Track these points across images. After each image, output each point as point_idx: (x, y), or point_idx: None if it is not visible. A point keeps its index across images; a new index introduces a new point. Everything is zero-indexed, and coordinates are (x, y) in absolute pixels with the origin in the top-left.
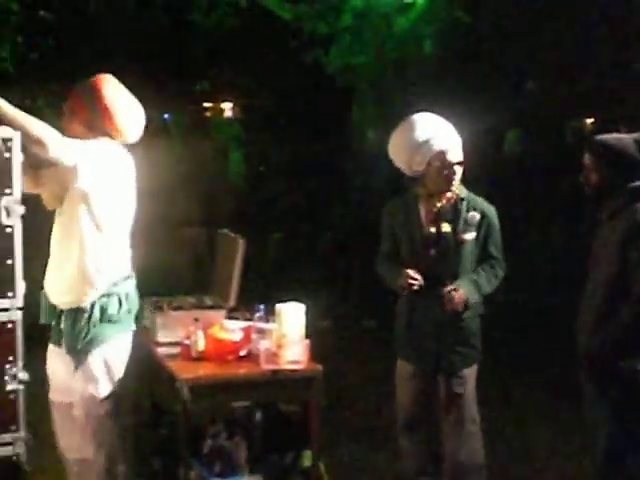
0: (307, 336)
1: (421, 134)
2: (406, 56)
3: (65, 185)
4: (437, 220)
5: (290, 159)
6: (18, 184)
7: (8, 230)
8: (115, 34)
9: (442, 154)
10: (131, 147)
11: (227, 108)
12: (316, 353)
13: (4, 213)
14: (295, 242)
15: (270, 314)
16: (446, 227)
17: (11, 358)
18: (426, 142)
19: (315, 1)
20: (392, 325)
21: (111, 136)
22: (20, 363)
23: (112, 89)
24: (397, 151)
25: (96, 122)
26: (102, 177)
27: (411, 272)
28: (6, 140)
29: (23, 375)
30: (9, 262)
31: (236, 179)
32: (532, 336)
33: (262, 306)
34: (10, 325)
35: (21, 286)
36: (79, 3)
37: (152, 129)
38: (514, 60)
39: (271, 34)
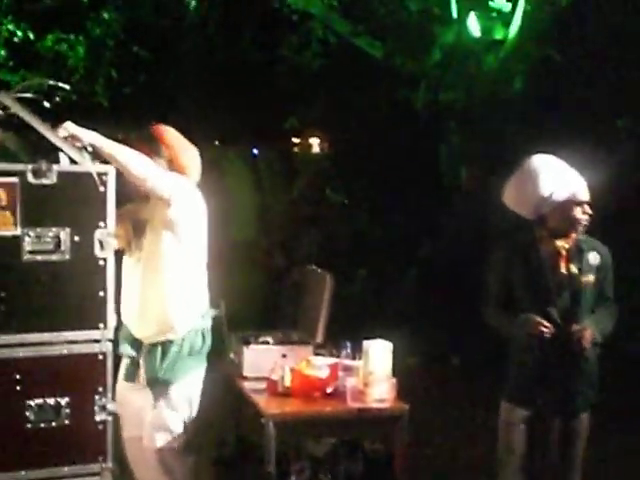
0: (393, 374)
1: (549, 178)
2: (496, 94)
3: (154, 217)
4: (567, 262)
5: (376, 194)
6: (112, 218)
7: (101, 263)
8: (206, 69)
9: (573, 196)
10: (219, 180)
11: (315, 144)
12: (402, 390)
13: (98, 246)
14: (381, 278)
15: (357, 351)
16: (574, 269)
17: (101, 389)
18: (556, 186)
19: (404, 38)
20: (477, 361)
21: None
22: (109, 394)
23: (172, 136)
24: (521, 196)
25: (165, 165)
26: (190, 210)
27: (539, 319)
28: (101, 174)
29: (112, 406)
30: (101, 294)
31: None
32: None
33: (349, 343)
34: (101, 356)
35: (112, 318)
36: (172, 39)
37: (241, 163)
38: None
39: (360, 71)
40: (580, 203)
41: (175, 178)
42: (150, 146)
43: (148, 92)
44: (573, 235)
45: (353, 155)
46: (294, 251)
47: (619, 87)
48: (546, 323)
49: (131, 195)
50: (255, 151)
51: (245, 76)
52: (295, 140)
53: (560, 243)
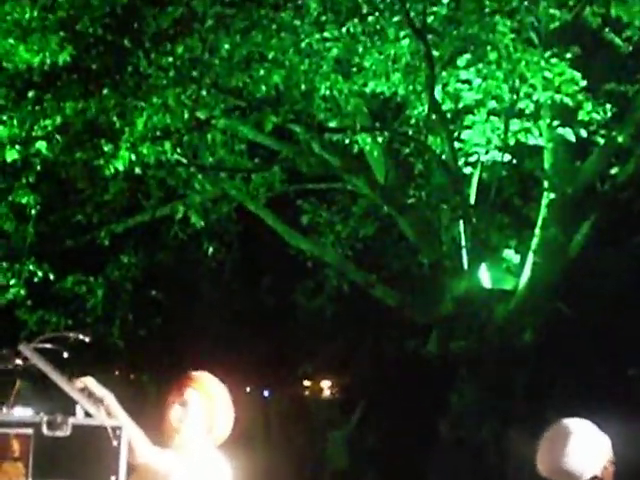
0: None
1: (585, 453)
2: (507, 344)
3: None
4: None
5: (385, 442)
6: (123, 473)
7: None
8: (222, 313)
9: (606, 465)
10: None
11: (326, 387)
12: None
13: None
14: None
15: None
16: None
17: None
18: (592, 460)
19: (416, 290)
20: None
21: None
22: None
23: (215, 386)
24: (557, 468)
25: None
26: None
27: None
28: (115, 428)
29: None
30: None
31: (336, 462)
32: None
33: None
34: None
35: None
36: (189, 283)
37: (252, 405)
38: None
39: (374, 318)
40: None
41: (174, 455)
42: (179, 393)
43: (163, 335)
44: None
45: (363, 398)
46: None
47: (629, 338)
48: None
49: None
50: (266, 393)
51: (260, 321)
52: (306, 383)
53: None
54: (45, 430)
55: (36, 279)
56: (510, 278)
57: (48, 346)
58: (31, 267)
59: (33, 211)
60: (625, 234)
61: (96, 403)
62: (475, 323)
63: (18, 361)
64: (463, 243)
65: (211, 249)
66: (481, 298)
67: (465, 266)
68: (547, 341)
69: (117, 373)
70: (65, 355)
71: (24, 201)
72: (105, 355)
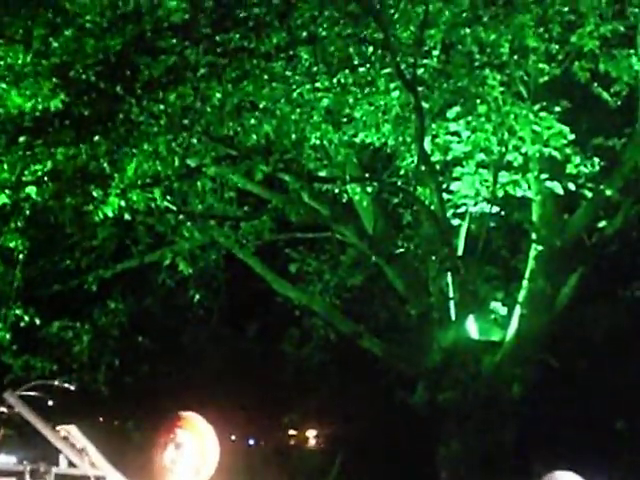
0: None
1: None
2: (494, 396)
3: None
4: None
5: None
6: None
7: None
8: (208, 359)
9: None
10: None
11: (311, 436)
12: None
13: None
14: None
15: None
16: None
17: None
18: None
19: (404, 340)
20: None
21: None
22: None
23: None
24: None
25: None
26: None
27: None
28: (99, 478)
29: None
30: None
31: None
32: None
33: None
34: None
35: None
36: (174, 329)
37: (235, 452)
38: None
39: (361, 367)
40: None
41: None
42: (172, 434)
43: (149, 382)
44: None
45: (348, 451)
46: None
47: (617, 389)
48: None
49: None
50: (251, 441)
51: (247, 368)
52: (292, 432)
53: None
54: (28, 479)
55: (22, 324)
56: (497, 330)
57: (33, 394)
58: (17, 311)
59: (21, 255)
60: (613, 287)
61: (80, 452)
62: (462, 374)
63: (2, 409)
64: (451, 294)
65: (198, 296)
66: (468, 349)
67: (453, 317)
68: (534, 393)
69: (101, 420)
70: (50, 403)
71: (12, 245)
72: (90, 401)
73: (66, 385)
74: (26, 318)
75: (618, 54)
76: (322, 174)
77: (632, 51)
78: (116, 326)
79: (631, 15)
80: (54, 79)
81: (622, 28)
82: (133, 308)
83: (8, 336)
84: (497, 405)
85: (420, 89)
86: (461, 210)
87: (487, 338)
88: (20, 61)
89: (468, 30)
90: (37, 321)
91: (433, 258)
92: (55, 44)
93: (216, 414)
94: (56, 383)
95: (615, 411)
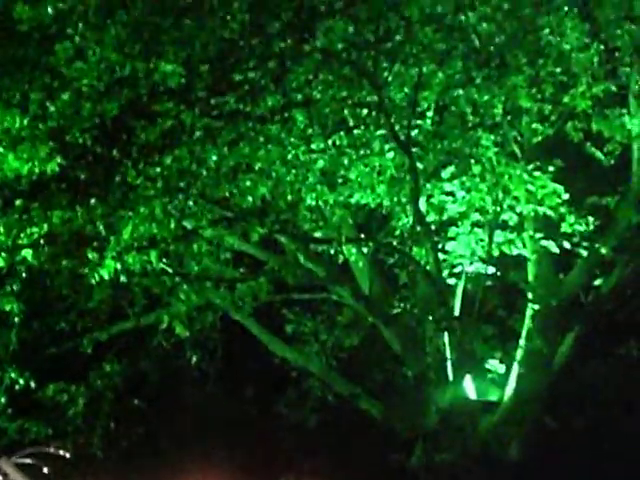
0: None
1: None
2: (492, 457)
3: None
4: None
5: None
6: None
7: None
8: (202, 417)
9: None
10: None
11: None
12: None
13: None
14: None
15: None
16: None
17: None
18: None
19: (401, 402)
20: None
21: None
22: None
23: None
24: None
25: None
26: None
27: None
28: None
29: None
30: None
31: None
32: None
33: None
34: None
35: None
36: (170, 391)
37: None
38: None
39: (358, 428)
40: None
41: None
42: None
43: (145, 444)
44: None
45: None
46: None
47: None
48: None
49: None
50: None
51: (243, 430)
52: None
53: None
54: None
55: (17, 387)
56: (495, 389)
57: (28, 461)
58: (13, 375)
59: (17, 319)
60: (609, 345)
61: None
62: (460, 436)
63: None
64: (448, 354)
65: (195, 358)
66: (466, 410)
67: (450, 377)
68: (532, 454)
69: None
70: (45, 470)
71: (7, 308)
72: (85, 465)
73: (61, 452)
74: (21, 381)
75: (610, 114)
76: (318, 235)
77: (624, 110)
78: (111, 389)
79: (623, 74)
80: (51, 143)
81: (614, 88)
82: (129, 370)
83: (3, 399)
84: (494, 466)
85: (414, 150)
86: (457, 270)
87: (484, 398)
88: (17, 125)
89: (462, 91)
90: (32, 384)
91: (430, 318)
92: (52, 108)
93: (213, 476)
94: (51, 450)
95: (615, 473)
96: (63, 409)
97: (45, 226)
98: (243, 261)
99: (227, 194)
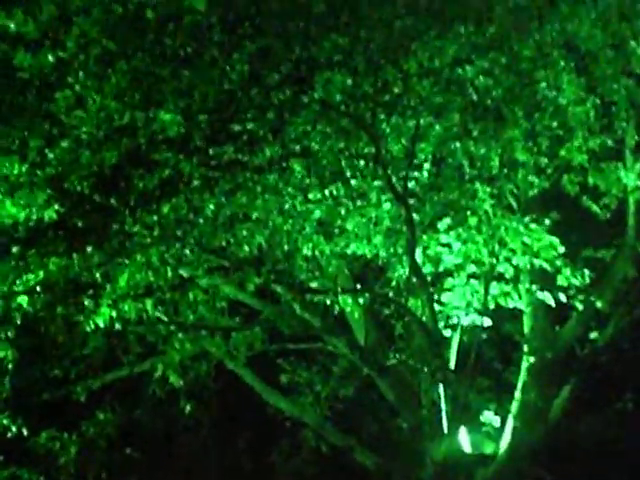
0: None
1: None
2: None
3: None
4: None
5: None
6: None
7: None
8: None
9: None
10: None
11: None
12: None
13: None
14: None
15: None
16: None
17: None
18: None
19: (396, 454)
20: None
21: None
22: None
23: None
24: None
25: None
26: None
27: None
28: None
29: None
30: None
31: None
32: None
33: None
34: None
35: None
36: (163, 440)
37: None
38: None
39: None
40: None
41: None
42: None
43: None
44: None
45: None
46: None
47: None
48: None
49: None
50: None
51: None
52: None
53: None
54: None
55: (9, 434)
56: (490, 442)
57: None
58: (5, 422)
59: (10, 365)
60: (605, 398)
61: None
62: None
63: None
64: (443, 406)
65: (189, 407)
66: (461, 463)
67: (445, 430)
68: None
69: None
70: None
71: (1, 355)
72: None
73: None
74: (13, 429)
75: (606, 168)
76: (314, 285)
77: (620, 164)
78: (104, 437)
79: (619, 129)
80: (49, 190)
81: (610, 142)
82: (122, 419)
83: None
84: None
85: (411, 202)
86: (453, 321)
87: (479, 451)
88: (16, 171)
89: (459, 144)
90: (25, 432)
91: (425, 370)
92: (51, 155)
93: None
94: None
95: None
96: (55, 457)
97: (41, 273)
98: (239, 310)
99: (224, 243)
